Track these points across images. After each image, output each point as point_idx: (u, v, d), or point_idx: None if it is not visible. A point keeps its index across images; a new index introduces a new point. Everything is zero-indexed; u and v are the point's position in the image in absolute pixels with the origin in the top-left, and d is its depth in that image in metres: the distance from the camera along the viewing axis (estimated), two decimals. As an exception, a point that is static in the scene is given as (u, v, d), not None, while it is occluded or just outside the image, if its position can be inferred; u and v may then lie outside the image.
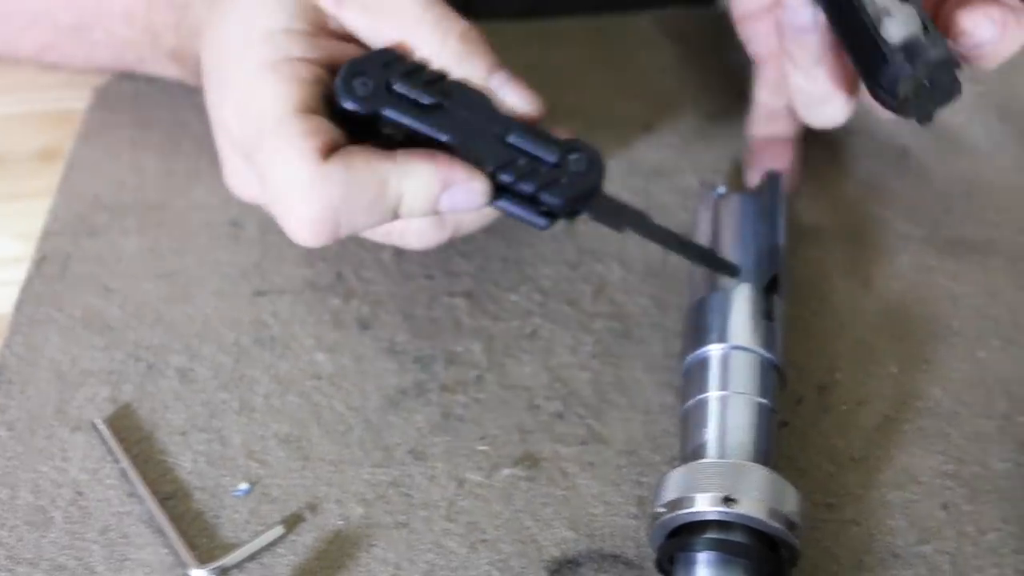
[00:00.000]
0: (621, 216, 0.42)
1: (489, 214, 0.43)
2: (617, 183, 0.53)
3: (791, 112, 0.49)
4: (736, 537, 0.35)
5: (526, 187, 0.40)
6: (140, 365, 0.45)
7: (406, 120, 0.39)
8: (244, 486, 0.41)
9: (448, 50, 0.40)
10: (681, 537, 0.36)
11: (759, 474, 0.36)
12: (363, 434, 0.43)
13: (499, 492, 0.41)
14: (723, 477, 0.36)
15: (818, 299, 0.48)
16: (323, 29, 0.42)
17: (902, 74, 0.40)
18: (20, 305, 0.48)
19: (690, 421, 0.39)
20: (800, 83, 0.46)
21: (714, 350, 0.41)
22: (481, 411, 0.43)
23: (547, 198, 0.40)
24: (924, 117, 0.41)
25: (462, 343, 0.46)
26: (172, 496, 0.41)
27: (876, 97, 0.41)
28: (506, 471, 0.41)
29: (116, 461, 0.42)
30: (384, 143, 0.40)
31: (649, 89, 0.58)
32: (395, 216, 0.39)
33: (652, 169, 0.54)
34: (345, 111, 0.40)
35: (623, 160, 0.54)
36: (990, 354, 0.46)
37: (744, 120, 0.54)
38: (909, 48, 0.39)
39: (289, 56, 0.40)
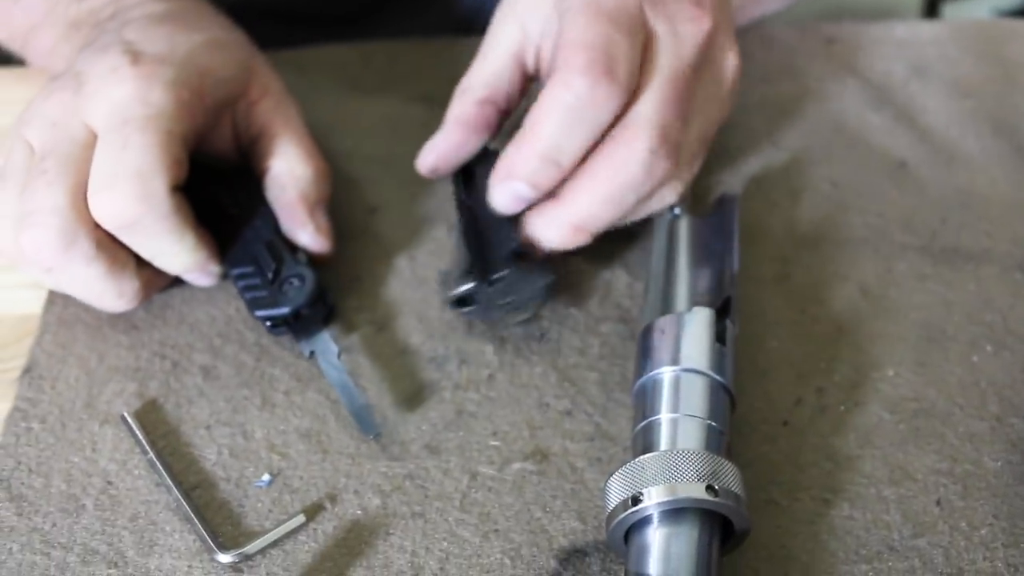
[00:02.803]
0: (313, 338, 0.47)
1: None
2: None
3: None
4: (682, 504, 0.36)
5: (244, 292, 0.47)
6: (165, 363, 0.47)
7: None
8: (266, 477, 0.43)
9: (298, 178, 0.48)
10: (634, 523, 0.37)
11: (698, 456, 0.37)
12: (380, 429, 0.44)
13: (510, 485, 0.42)
14: (659, 471, 0.37)
15: (817, 304, 0.50)
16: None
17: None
18: (49, 306, 0.50)
19: (640, 443, 0.40)
20: None
21: (666, 372, 0.41)
22: (493, 408, 0.45)
23: (250, 304, 0.47)
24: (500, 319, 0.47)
25: (474, 345, 0.47)
26: (198, 486, 0.43)
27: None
28: (517, 465, 0.43)
29: (144, 452, 0.44)
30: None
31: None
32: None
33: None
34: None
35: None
36: (983, 358, 0.47)
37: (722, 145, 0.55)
38: (462, 300, 0.46)
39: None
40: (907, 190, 0.55)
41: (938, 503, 0.42)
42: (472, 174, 0.50)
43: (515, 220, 0.47)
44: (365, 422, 0.43)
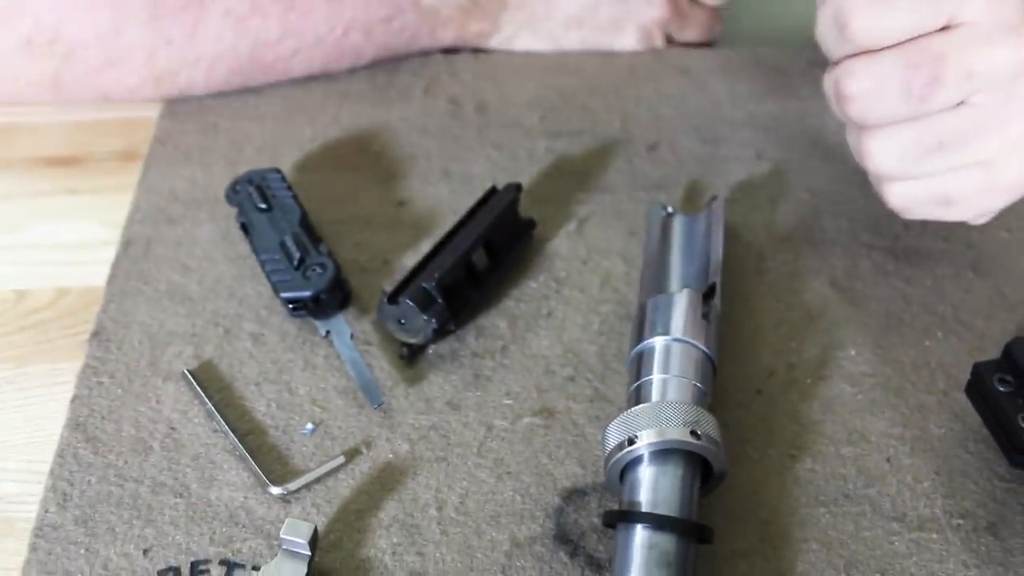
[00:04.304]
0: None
1: None
2: (623, 194, 0.62)
3: None
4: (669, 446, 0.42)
5: (271, 275, 0.53)
6: (218, 330, 0.54)
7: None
8: (309, 426, 0.49)
9: None
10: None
11: (684, 406, 0.44)
12: (407, 388, 0.51)
13: (521, 436, 0.49)
14: (650, 418, 0.43)
15: (791, 294, 0.56)
16: None
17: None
18: (112, 280, 0.57)
19: (634, 400, 0.46)
20: None
21: (658, 341, 0.48)
22: (506, 373, 0.52)
23: (276, 286, 0.53)
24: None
25: (490, 320, 0.54)
26: (250, 432, 0.49)
27: None
28: (527, 420, 0.50)
29: (202, 403, 0.50)
30: None
31: (653, 114, 0.67)
32: None
33: (653, 184, 0.63)
34: None
35: (627, 175, 0.63)
36: (934, 343, 0.54)
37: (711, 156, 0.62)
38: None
39: None
40: (876, 199, 0.61)
41: (888, 460, 0.49)
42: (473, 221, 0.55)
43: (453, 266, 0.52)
44: (372, 393, 0.50)
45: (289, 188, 0.57)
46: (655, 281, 0.53)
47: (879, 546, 0.45)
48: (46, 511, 0.46)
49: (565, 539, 0.45)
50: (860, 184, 0.62)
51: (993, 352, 0.49)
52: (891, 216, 0.60)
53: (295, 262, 0.53)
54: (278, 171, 0.58)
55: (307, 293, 0.52)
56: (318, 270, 0.53)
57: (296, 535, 0.42)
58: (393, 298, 0.51)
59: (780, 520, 0.46)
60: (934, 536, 0.46)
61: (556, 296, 0.56)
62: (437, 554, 0.45)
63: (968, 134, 0.47)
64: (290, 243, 0.54)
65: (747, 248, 0.59)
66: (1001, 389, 0.46)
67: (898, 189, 0.50)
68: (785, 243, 0.59)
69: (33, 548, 0.45)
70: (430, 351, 0.53)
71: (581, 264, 0.57)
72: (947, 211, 0.51)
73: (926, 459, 0.49)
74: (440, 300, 0.50)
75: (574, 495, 0.47)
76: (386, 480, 0.47)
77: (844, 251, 0.59)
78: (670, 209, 0.57)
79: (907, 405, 0.51)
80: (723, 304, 0.52)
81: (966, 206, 0.51)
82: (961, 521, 0.46)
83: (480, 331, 0.54)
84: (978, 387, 0.48)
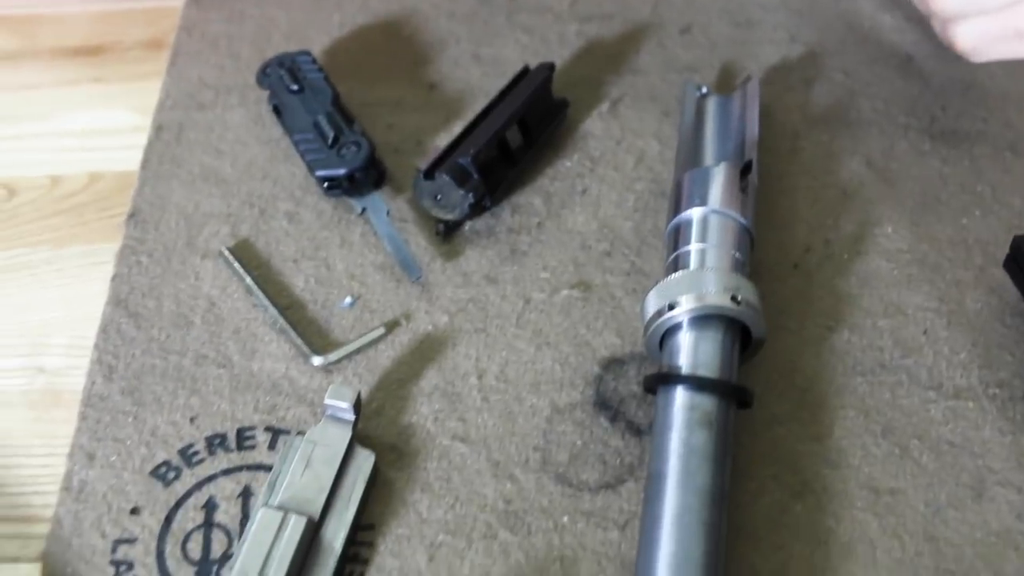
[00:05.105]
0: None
1: None
2: (656, 76, 0.61)
3: None
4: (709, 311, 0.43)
5: (306, 155, 0.53)
6: (254, 210, 0.54)
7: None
8: (348, 300, 0.50)
9: None
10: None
11: (724, 272, 0.44)
12: (444, 263, 0.51)
13: (559, 308, 0.49)
14: (689, 284, 0.43)
15: (826, 173, 0.56)
16: None
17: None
18: (145, 164, 0.57)
19: (672, 270, 0.46)
20: None
21: (696, 212, 0.47)
22: (542, 248, 0.52)
23: (311, 165, 0.53)
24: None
25: (525, 197, 0.54)
26: (289, 307, 0.50)
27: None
28: (564, 292, 0.50)
29: (241, 279, 0.50)
30: None
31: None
32: None
33: (685, 66, 0.62)
34: None
35: (660, 57, 0.62)
36: (971, 221, 0.54)
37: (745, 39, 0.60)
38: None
39: None
40: (912, 81, 0.61)
41: (925, 333, 0.49)
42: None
43: (492, 139, 0.52)
44: (410, 267, 0.50)
45: (320, 69, 0.57)
46: (691, 158, 0.53)
47: (915, 413, 0.46)
48: (92, 383, 0.47)
49: (605, 405, 0.46)
50: (896, 66, 0.62)
51: (1032, 228, 0.49)
52: (928, 97, 0.60)
53: (329, 141, 0.53)
54: (308, 53, 0.58)
55: (342, 171, 0.52)
56: (353, 148, 0.53)
57: (340, 399, 0.43)
58: (429, 174, 0.51)
59: (817, 388, 0.47)
60: (970, 405, 0.46)
61: (591, 175, 0.55)
62: (479, 419, 0.45)
63: None
64: (323, 122, 0.54)
65: (781, 128, 0.58)
66: None
67: (969, 28, 0.50)
68: (820, 124, 0.58)
69: (83, 417, 0.46)
70: (466, 228, 0.53)
71: (615, 144, 0.57)
72: (1022, 45, 0.50)
73: (963, 332, 0.49)
74: (476, 175, 0.50)
75: (613, 364, 0.47)
76: (426, 350, 0.48)
77: (880, 132, 0.58)
78: (704, 89, 0.57)
79: (944, 280, 0.51)
80: (758, 182, 0.52)
81: None
82: (997, 391, 0.46)
83: (515, 208, 0.54)
84: (1017, 260, 0.48)
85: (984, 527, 0.42)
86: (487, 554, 0.42)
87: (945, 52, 0.62)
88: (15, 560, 0.43)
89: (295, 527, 0.40)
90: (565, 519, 0.42)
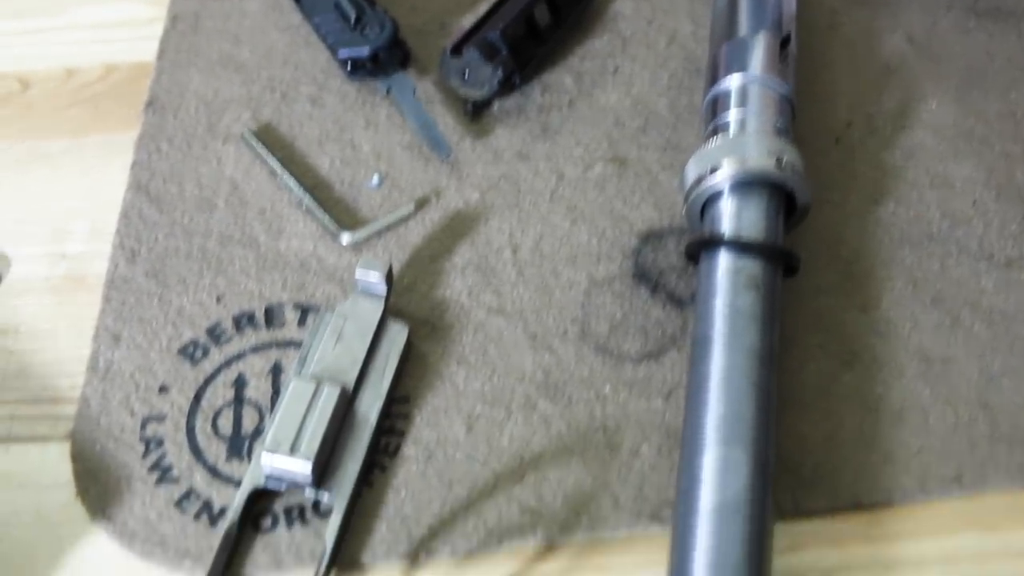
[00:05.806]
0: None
1: None
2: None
3: None
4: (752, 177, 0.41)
5: (327, 37, 0.51)
6: (275, 95, 0.52)
7: None
8: (376, 179, 0.48)
9: None
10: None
11: (767, 135, 0.42)
12: (474, 142, 0.49)
13: (593, 183, 0.48)
14: (730, 148, 0.41)
15: (867, 50, 0.54)
16: None
17: None
18: (162, 53, 0.55)
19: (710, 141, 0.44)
20: None
21: (735, 79, 0.45)
22: (575, 125, 0.50)
23: (333, 46, 0.51)
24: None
25: (555, 76, 0.52)
26: (315, 187, 0.48)
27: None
28: (599, 168, 0.48)
29: (264, 161, 0.49)
30: None
31: None
32: None
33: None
34: None
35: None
36: (1019, 95, 0.52)
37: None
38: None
39: None
40: None
41: (974, 204, 0.47)
42: None
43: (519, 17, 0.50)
44: (440, 145, 0.48)
45: None
46: (726, 33, 0.50)
47: (966, 284, 0.44)
48: (116, 266, 0.46)
49: (644, 277, 0.44)
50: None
51: (1087, 93, 0.47)
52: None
53: (351, 21, 0.51)
54: None
55: (366, 49, 0.50)
56: (376, 27, 0.51)
57: (371, 271, 0.42)
58: (457, 50, 0.49)
59: (863, 260, 0.45)
60: (1023, 276, 0.44)
61: (622, 54, 0.53)
62: (514, 293, 0.44)
63: None
64: (345, 3, 0.52)
65: (819, 6, 0.56)
66: None
67: None
68: (858, 1, 0.56)
69: (107, 299, 0.45)
70: (495, 107, 0.51)
71: (646, 24, 0.55)
72: None
73: (1013, 204, 0.47)
74: (505, 50, 0.48)
75: (651, 237, 0.46)
76: (457, 227, 0.46)
77: (922, 8, 0.56)
78: None
79: (992, 153, 0.49)
80: (797, 57, 0.50)
81: None
82: (1050, 261, 0.45)
83: (545, 87, 0.52)
84: (1069, 128, 0.46)
85: (1040, 393, 0.41)
86: (527, 424, 0.40)
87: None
88: (45, 439, 0.42)
89: (328, 396, 0.39)
90: (607, 389, 0.41)
